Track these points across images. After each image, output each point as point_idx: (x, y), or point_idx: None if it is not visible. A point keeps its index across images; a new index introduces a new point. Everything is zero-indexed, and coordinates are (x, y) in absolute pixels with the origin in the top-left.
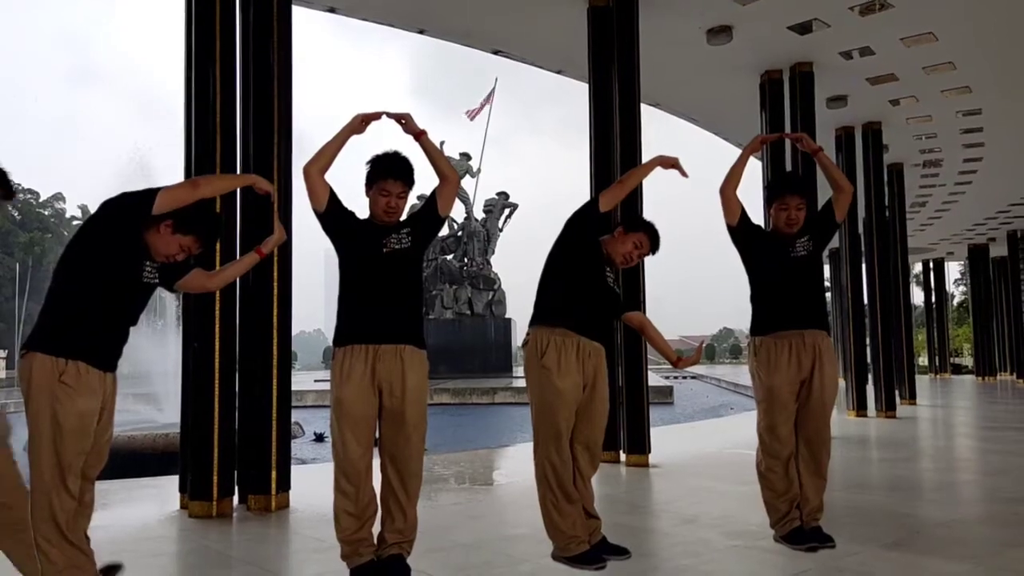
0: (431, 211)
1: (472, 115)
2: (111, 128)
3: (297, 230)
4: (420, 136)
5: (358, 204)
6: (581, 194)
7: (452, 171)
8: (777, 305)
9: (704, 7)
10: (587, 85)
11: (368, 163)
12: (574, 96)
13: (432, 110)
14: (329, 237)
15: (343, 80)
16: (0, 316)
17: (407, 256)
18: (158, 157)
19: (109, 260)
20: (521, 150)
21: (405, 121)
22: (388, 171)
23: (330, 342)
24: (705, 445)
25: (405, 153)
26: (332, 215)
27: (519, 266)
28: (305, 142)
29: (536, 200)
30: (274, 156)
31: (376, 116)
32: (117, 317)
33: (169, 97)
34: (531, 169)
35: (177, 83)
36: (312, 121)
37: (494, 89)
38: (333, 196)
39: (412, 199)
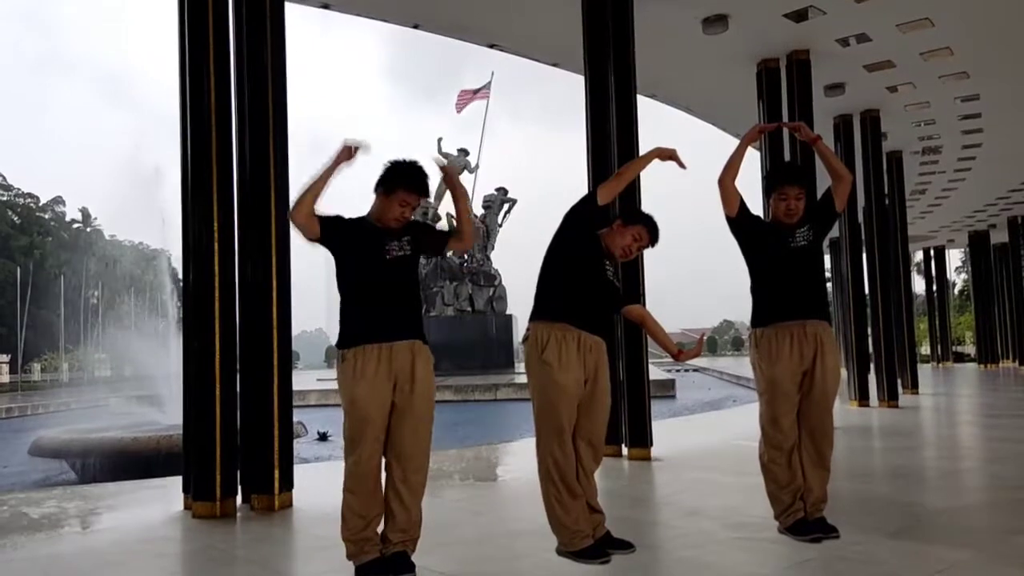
0: (437, 243)
1: (460, 107)
2: (77, 115)
3: (296, 230)
4: (452, 182)
5: (348, 205)
6: (571, 182)
7: (470, 235)
8: (777, 296)
9: None
10: (582, 77)
11: (389, 167)
12: (554, 80)
13: (407, 94)
14: (329, 251)
15: (315, 69)
16: (1, 320)
17: (408, 262)
18: (128, 144)
19: None
20: (504, 137)
21: (447, 174)
22: (412, 185)
23: (332, 342)
24: (707, 438)
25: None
26: (328, 237)
27: (520, 262)
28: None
29: (526, 190)
30: (270, 155)
31: (350, 153)
32: None
33: (138, 83)
34: (516, 156)
35: (146, 69)
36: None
37: (489, 83)
38: (323, 222)
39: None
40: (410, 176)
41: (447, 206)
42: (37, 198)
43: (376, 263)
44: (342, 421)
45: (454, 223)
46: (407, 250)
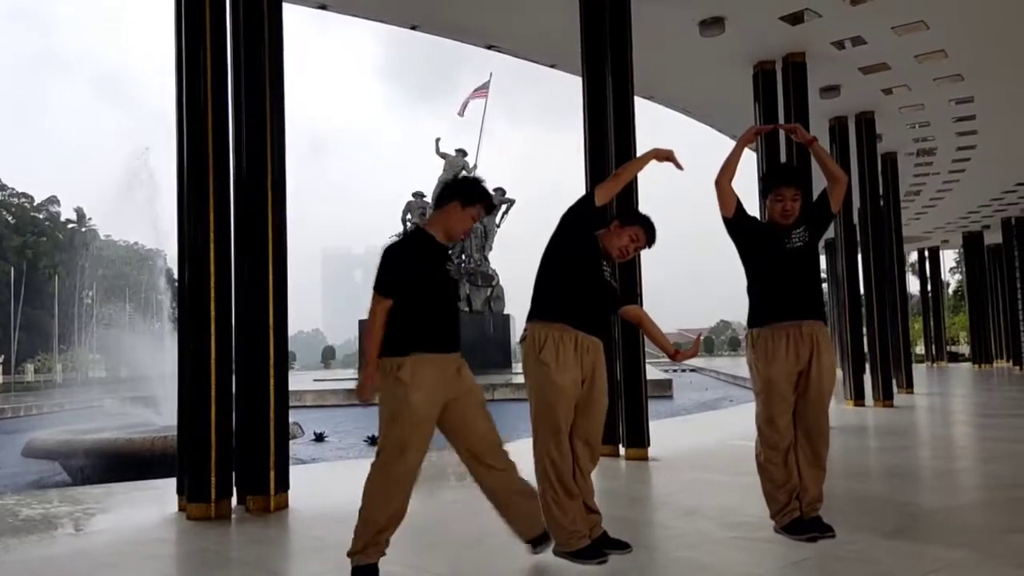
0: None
1: (462, 109)
2: (74, 114)
3: (293, 229)
4: None
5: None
6: (569, 183)
7: None
8: (774, 296)
9: None
10: (579, 78)
11: (467, 182)
12: (551, 81)
13: (403, 94)
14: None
15: (312, 69)
16: None
17: (455, 281)
18: (124, 144)
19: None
20: (502, 137)
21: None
22: (489, 203)
23: (328, 342)
24: (704, 438)
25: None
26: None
27: (517, 262)
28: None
29: (524, 190)
30: (267, 155)
31: None
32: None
33: (135, 83)
34: (514, 157)
35: (144, 68)
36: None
37: (488, 83)
38: (407, 275)
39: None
40: (488, 196)
41: None
42: (32, 198)
43: (445, 280)
44: (382, 427)
45: None
46: (456, 275)
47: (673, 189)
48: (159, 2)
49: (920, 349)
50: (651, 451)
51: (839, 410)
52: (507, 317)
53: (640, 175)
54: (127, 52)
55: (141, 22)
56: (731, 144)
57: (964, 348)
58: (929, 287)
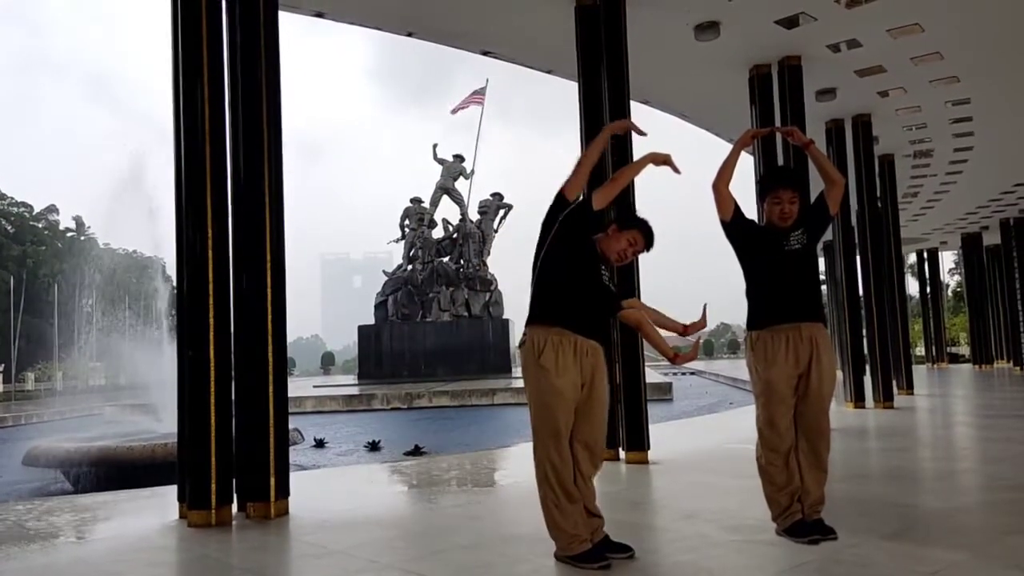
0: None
1: (456, 109)
2: (75, 123)
3: (291, 235)
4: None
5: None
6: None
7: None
8: (773, 299)
9: (691, 3)
10: (575, 83)
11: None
12: (543, 83)
13: (395, 98)
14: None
15: (304, 72)
16: None
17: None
18: (123, 151)
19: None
20: (494, 140)
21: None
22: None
23: (327, 348)
24: (705, 440)
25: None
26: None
27: (515, 266)
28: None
29: (517, 194)
30: (264, 161)
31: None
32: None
33: (137, 90)
34: (506, 159)
35: (143, 75)
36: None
37: (485, 89)
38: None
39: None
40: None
41: (442, 211)
42: (31, 207)
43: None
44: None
45: (450, 228)
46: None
47: (670, 193)
48: (158, 9)
49: (920, 350)
50: (651, 454)
51: (839, 412)
52: (506, 322)
53: (637, 179)
54: (127, 59)
55: (139, 24)
56: (728, 147)
57: (964, 349)
58: (928, 288)
